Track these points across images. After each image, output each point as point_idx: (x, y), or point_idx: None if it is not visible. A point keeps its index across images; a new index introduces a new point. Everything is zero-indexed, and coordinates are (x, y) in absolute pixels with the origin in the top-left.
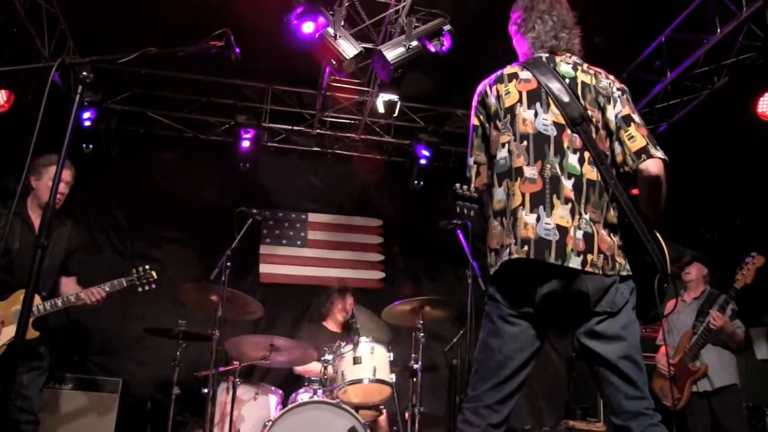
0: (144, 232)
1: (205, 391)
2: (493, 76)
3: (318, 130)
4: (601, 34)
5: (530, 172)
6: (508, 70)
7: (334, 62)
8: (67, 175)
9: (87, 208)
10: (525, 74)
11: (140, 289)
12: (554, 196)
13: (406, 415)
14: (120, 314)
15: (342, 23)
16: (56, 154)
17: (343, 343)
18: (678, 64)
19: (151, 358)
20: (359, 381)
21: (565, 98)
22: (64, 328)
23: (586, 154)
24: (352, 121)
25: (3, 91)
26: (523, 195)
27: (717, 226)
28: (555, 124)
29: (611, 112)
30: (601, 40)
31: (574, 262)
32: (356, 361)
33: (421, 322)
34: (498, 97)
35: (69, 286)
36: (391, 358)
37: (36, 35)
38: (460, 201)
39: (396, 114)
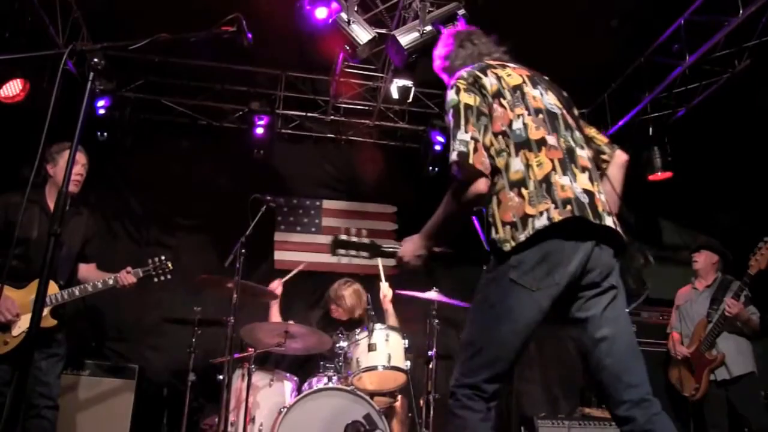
0: (159, 220)
1: (221, 377)
2: (475, 66)
3: (332, 117)
4: (617, 17)
5: (552, 140)
6: (490, 61)
7: (347, 48)
8: (81, 157)
9: (102, 196)
10: (513, 64)
11: (156, 280)
12: (573, 166)
13: (421, 401)
14: (136, 301)
15: (355, 8)
16: (69, 141)
17: (357, 330)
18: (697, 47)
19: (167, 344)
20: (374, 368)
21: (553, 85)
22: (81, 315)
23: (581, 135)
24: (366, 108)
25: (18, 80)
26: (552, 161)
27: (736, 211)
28: (557, 106)
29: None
30: (618, 23)
31: (608, 221)
32: (371, 348)
33: (435, 308)
34: (498, 78)
35: (90, 273)
36: (406, 345)
37: (50, 23)
38: (342, 249)
39: (410, 100)
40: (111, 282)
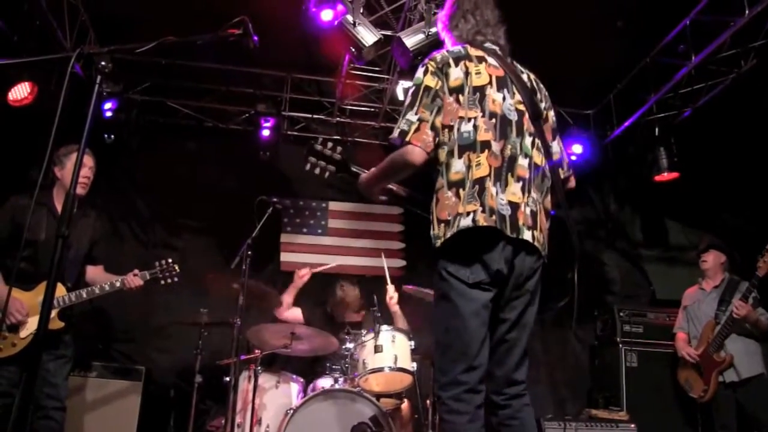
0: (165, 222)
1: (227, 379)
2: (451, 50)
3: (338, 118)
4: (623, 17)
5: (496, 147)
6: (472, 51)
7: (353, 50)
8: (89, 160)
9: (109, 198)
10: (492, 60)
11: (163, 282)
12: (509, 175)
13: (428, 403)
14: (143, 303)
15: (361, 10)
16: (77, 144)
17: (364, 332)
18: (703, 47)
19: (173, 346)
20: (380, 369)
21: (528, 89)
22: (88, 317)
23: (537, 141)
24: (372, 109)
25: (27, 83)
26: (490, 167)
27: (743, 212)
28: (517, 110)
29: (551, 114)
30: (624, 24)
31: (527, 236)
32: (377, 349)
33: None
34: (467, 73)
35: (98, 275)
36: (413, 347)
37: (57, 27)
38: (313, 158)
39: None
40: (118, 284)
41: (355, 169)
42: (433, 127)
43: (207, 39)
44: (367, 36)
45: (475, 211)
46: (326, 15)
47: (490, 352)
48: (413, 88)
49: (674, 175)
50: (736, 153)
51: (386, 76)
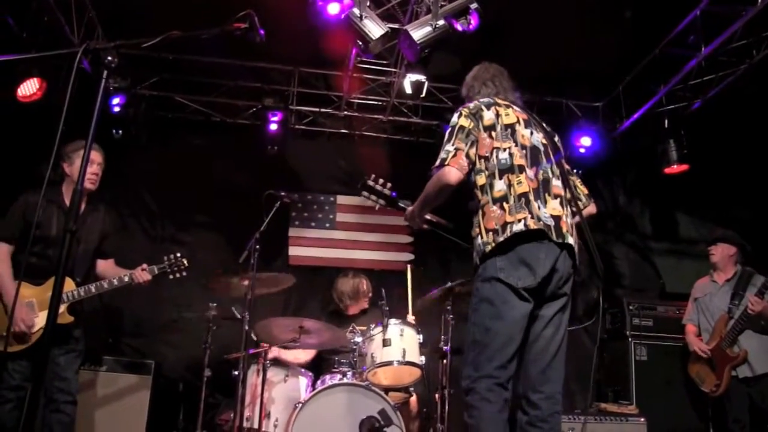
0: (174, 217)
1: (236, 373)
2: (482, 101)
3: (345, 112)
4: (631, 8)
5: (530, 172)
6: (500, 100)
7: (360, 43)
8: (97, 156)
9: (117, 193)
10: (516, 108)
11: (171, 277)
12: (546, 194)
13: (436, 396)
14: (152, 298)
15: (368, 3)
16: (85, 140)
17: (372, 325)
18: (714, 38)
19: (182, 340)
20: (389, 363)
21: (547, 132)
22: (98, 312)
23: (557, 171)
24: (380, 103)
25: (35, 79)
26: (529, 186)
27: (753, 205)
28: (542, 143)
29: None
30: (632, 15)
31: (570, 240)
32: (386, 343)
33: (450, 303)
34: (497, 115)
35: (108, 269)
36: (421, 340)
37: (65, 23)
38: (366, 192)
39: (423, 94)
40: (126, 279)
41: (402, 204)
42: (467, 155)
43: (212, 33)
44: (374, 29)
45: (525, 218)
46: (333, 8)
47: (528, 349)
48: (449, 128)
49: (684, 167)
50: (747, 145)
51: (393, 70)
